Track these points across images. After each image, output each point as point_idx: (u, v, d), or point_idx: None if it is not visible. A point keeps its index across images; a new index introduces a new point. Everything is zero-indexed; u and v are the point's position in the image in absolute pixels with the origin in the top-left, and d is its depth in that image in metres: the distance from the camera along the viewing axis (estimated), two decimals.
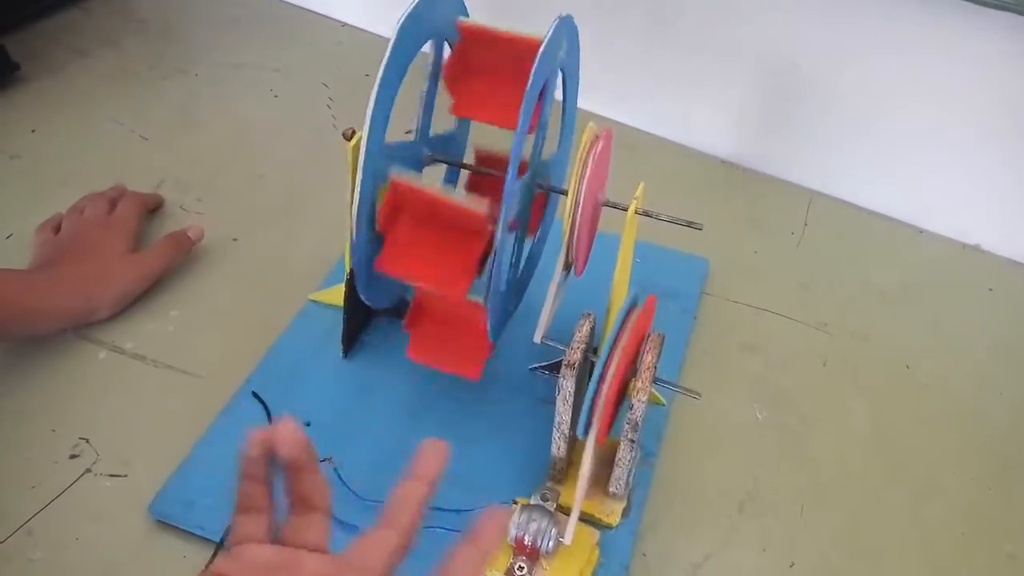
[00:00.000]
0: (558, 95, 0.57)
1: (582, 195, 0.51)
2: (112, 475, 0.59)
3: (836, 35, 0.75)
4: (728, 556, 0.57)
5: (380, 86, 0.50)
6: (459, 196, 0.52)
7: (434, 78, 0.58)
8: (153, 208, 0.79)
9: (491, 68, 0.54)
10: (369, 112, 0.50)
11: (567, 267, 0.56)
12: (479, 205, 0.50)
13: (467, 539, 0.40)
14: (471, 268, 0.52)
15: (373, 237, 0.54)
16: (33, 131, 0.87)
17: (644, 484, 0.59)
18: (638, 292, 0.54)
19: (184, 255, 0.73)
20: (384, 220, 0.53)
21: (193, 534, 0.55)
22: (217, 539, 0.54)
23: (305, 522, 0.39)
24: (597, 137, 0.52)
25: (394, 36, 0.50)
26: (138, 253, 0.71)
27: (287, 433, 0.38)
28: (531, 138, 0.53)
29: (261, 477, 0.39)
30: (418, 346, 0.59)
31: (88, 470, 0.59)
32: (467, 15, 0.57)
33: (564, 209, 0.52)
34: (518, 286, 0.63)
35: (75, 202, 0.76)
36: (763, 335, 0.71)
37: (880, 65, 0.75)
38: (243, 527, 0.39)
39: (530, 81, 0.48)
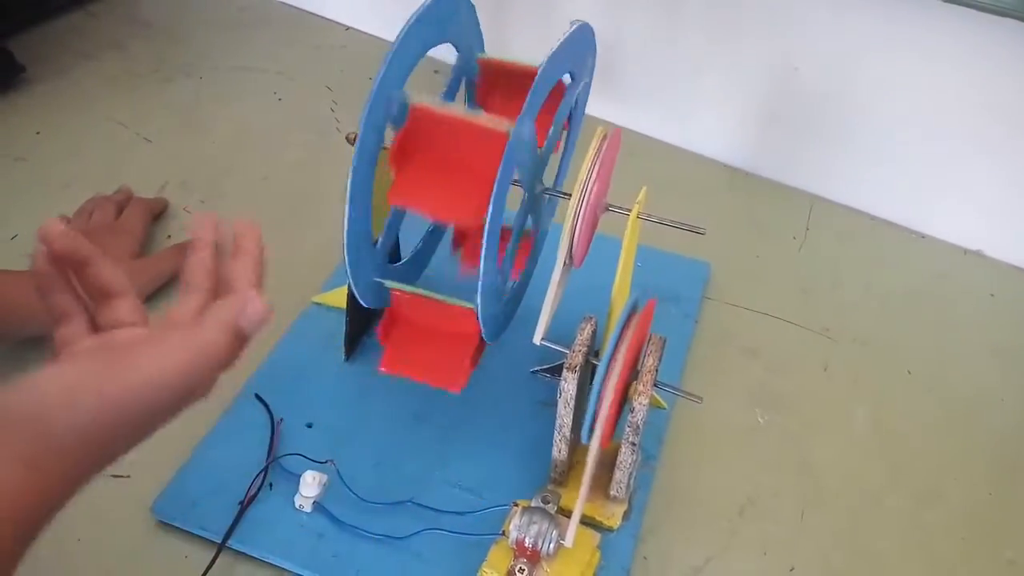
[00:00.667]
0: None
1: (588, 195, 0.51)
2: (114, 476, 0.59)
3: (837, 41, 0.76)
4: (729, 560, 0.57)
5: (380, 82, 0.50)
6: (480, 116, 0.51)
7: (453, 86, 0.58)
8: (159, 213, 0.79)
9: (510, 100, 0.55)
10: (366, 109, 0.50)
11: (566, 263, 0.56)
12: (498, 123, 0.49)
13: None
14: (486, 196, 0.49)
15: (370, 240, 0.54)
16: (38, 133, 0.88)
17: (645, 487, 0.59)
18: (639, 296, 0.54)
19: None
20: (396, 150, 0.52)
21: (195, 535, 0.56)
22: (219, 539, 0.54)
23: (111, 307, 0.41)
24: (606, 135, 0.52)
25: (400, 36, 0.50)
26: (143, 259, 0.72)
27: (51, 226, 0.39)
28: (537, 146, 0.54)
29: (60, 286, 0.41)
30: (394, 357, 0.56)
31: None
32: (477, 23, 0.57)
33: (568, 204, 0.52)
34: (514, 294, 0.63)
35: (82, 204, 0.76)
36: (764, 339, 0.71)
37: (882, 71, 0.75)
38: (61, 335, 0.41)
39: (535, 84, 0.48)
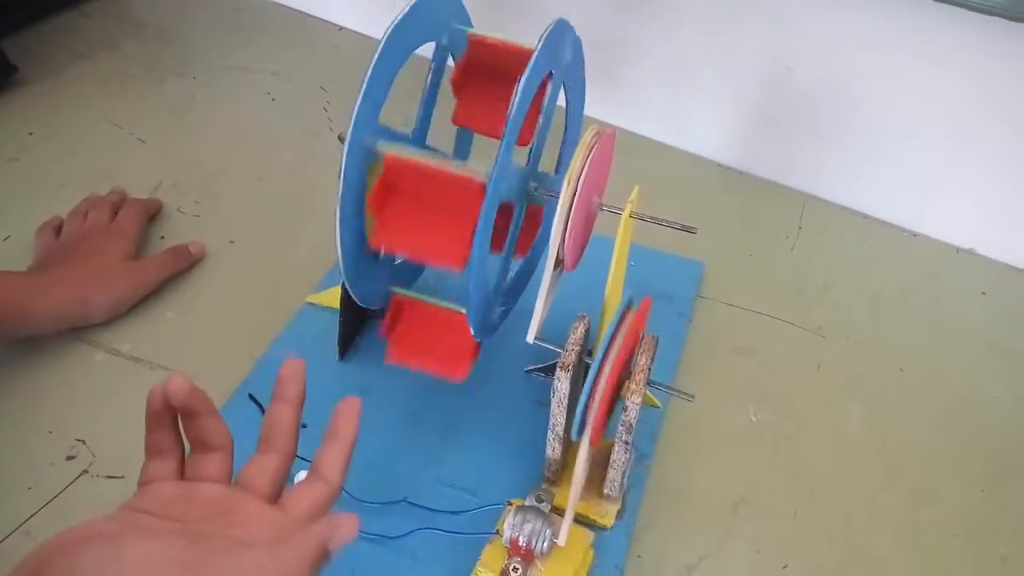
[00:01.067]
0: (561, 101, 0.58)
1: (575, 197, 0.51)
2: (109, 476, 0.59)
3: (831, 41, 0.76)
4: (722, 557, 0.57)
5: (370, 78, 0.50)
6: (453, 164, 0.51)
7: (434, 84, 0.58)
8: (154, 214, 0.79)
9: (494, 81, 0.55)
10: (358, 103, 0.50)
11: (557, 264, 0.56)
12: (474, 173, 0.50)
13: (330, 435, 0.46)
14: (468, 237, 0.51)
15: (359, 232, 0.54)
16: (31, 133, 0.88)
17: (639, 486, 0.60)
18: (633, 295, 0.54)
19: (182, 268, 0.74)
20: (376, 197, 0.52)
21: None
22: None
23: (204, 459, 0.42)
24: (598, 133, 0.52)
25: (388, 32, 0.50)
26: (137, 261, 0.72)
27: (178, 383, 0.40)
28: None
29: (165, 425, 0.42)
30: (398, 349, 0.58)
31: (85, 471, 0.59)
32: (467, 16, 0.58)
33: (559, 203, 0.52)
34: (510, 293, 0.64)
35: (77, 205, 0.76)
36: (758, 338, 0.71)
37: (875, 71, 0.75)
38: (150, 469, 0.42)
39: (519, 89, 0.48)
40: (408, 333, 0.59)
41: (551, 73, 0.53)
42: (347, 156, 0.51)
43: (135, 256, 0.72)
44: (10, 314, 0.64)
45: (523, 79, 0.48)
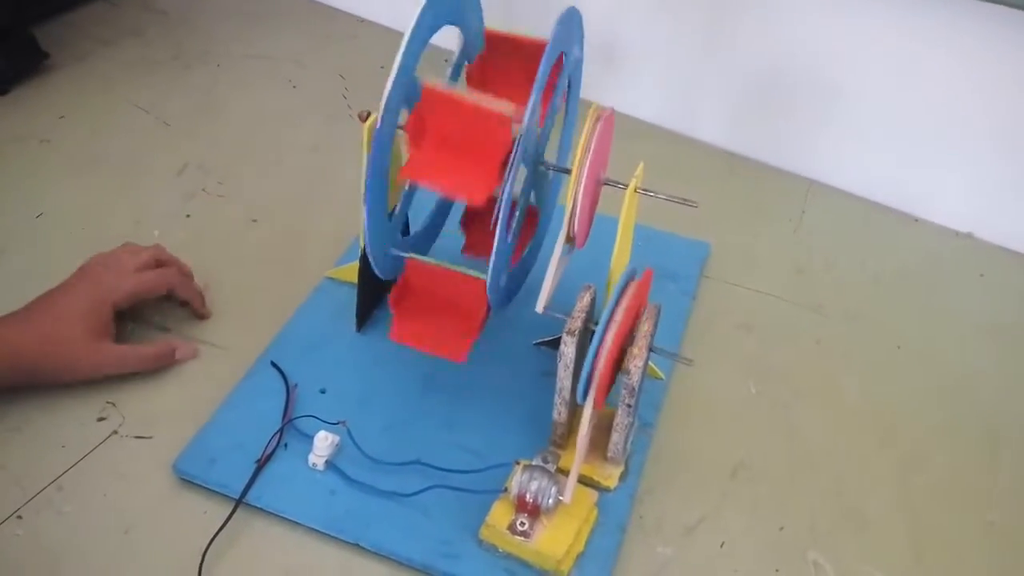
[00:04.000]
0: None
1: (585, 168, 0.54)
2: (137, 436, 0.62)
3: (834, 28, 0.78)
4: (720, 519, 0.60)
5: (399, 68, 0.53)
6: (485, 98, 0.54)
7: (456, 70, 0.61)
8: (169, 295, 0.69)
9: (510, 71, 0.58)
10: (386, 91, 0.53)
11: (568, 240, 0.58)
12: (503, 106, 0.52)
13: None
14: (493, 175, 0.54)
15: (385, 211, 0.57)
16: (62, 117, 0.91)
17: (641, 452, 0.62)
18: (636, 266, 0.57)
19: (149, 368, 0.66)
20: (411, 128, 0.55)
21: (213, 491, 0.59)
22: (236, 496, 0.57)
23: None
24: (599, 116, 0.55)
25: (412, 23, 0.53)
26: (101, 346, 0.64)
27: None
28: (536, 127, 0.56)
29: None
30: (401, 327, 0.61)
31: (115, 432, 0.62)
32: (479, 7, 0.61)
33: (567, 186, 0.55)
34: (522, 265, 0.66)
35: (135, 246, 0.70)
36: (759, 315, 0.74)
37: (875, 57, 0.78)
38: None
39: (537, 76, 0.51)
40: (413, 313, 0.61)
41: (564, 53, 0.56)
42: (380, 127, 0.53)
43: (99, 324, 0.64)
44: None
45: (548, 47, 0.51)
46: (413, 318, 0.62)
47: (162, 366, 0.67)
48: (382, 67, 0.97)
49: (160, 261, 0.69)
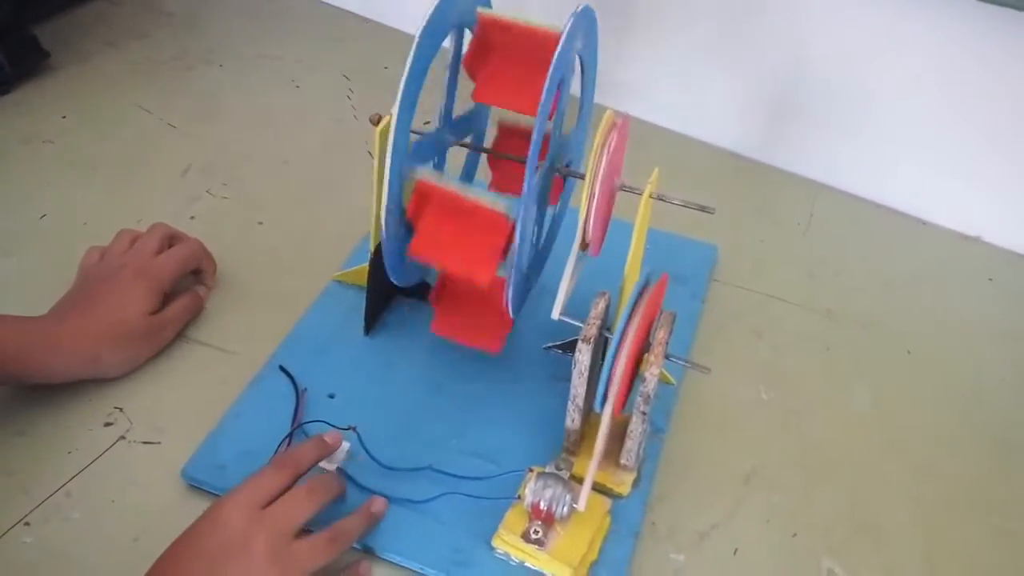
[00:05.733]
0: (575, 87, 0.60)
1: (599, 178, 0.54)
2: (145, 442, 0.62)
3: (843, 32, 0.78)
4: (733, 526, 0.59)
5: (407, 80, 0.53)
6: (481, 193, 0.55)
7: (455, 67, 0.61)
8: (195, 268, 0.72)
9: (511, 57, 0.57)
10: (397, 105, 0.53)
11: (583, 247, 0.58)
12: (499, 204, 0.53)
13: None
14: (496, 255, 0.55)
15: (402, 220, 0.57)
16: (64, 117, 0.90)
17: (653, 458, 0.62)
18: (651, 272, 0.56)
19: (197, 314, 0.71)
20: (412, 210, 0.56)
21: None
22: None
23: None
24: (614, 123, 0.55)
25: (419, 33, 0.53)
26: (156, 316, 0.67)
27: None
28: (550, 122, 0.56)
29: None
30: (441, 321, 0.63)
31: (122, 437, 0.62)
32: (489, 5, 0.60)
33: (581, 192, 0.55)
34: (538, 260, 0.66)
35: (133, 231, 0.72)
36: (769, 320, 0.74)
37: (886, 61, 0.77)
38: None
39: (551, 69, 0.50)
40: (452, 307, 0.63)
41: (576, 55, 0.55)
42: (393, 145, 0.53)
43: (156, 308, 0.67)
44: (21, 364, 0.61)
45: (555, 55, 0.50)
46: (452, 312, 0.63)
47: (199, 309, 0.71)
48: (386, 67, 0.97)
49: (174, 237, 0.72)
